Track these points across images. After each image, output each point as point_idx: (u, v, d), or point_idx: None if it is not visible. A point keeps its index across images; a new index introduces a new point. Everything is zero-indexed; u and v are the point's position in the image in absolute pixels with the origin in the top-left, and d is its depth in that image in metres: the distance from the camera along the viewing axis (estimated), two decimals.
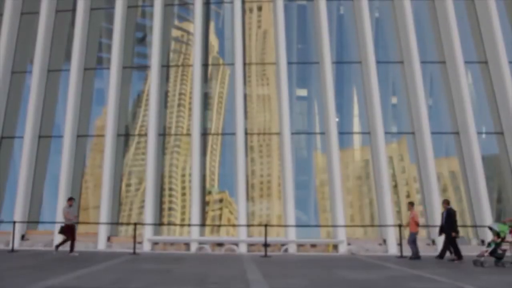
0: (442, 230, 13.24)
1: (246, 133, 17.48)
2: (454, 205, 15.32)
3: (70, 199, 13.97)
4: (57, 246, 13.69)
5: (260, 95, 18.55)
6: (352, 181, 17.67)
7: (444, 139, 17.40)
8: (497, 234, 11.20)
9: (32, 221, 16.99)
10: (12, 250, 14.48)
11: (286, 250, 15.62)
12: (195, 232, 16.04)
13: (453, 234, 12.72)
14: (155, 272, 9.42)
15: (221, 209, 17.27)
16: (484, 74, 17.70)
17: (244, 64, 18.11)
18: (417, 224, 13.54)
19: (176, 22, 20.01)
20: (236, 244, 15.91)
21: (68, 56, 18.49)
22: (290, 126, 16.89)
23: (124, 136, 18.18)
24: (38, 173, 17.57)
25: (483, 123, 17.45)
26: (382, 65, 17.79)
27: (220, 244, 16.03)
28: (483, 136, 17.46)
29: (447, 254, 13.08)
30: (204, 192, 17.23)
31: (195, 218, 16.13)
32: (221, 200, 17.38)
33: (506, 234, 11.26)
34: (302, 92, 19.13)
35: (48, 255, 13.02)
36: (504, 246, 11.38)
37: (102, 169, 16.94)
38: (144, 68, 19.16)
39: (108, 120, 17.33)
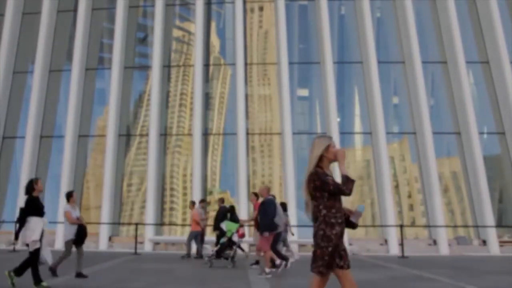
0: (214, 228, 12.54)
1: (247, 133, 17.47)
2: (455, 205, 15.37)
3: (202, 201, 13.61)
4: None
5: (261, 95, 18.55)
6: None
7: (446, 139, 17.38)
8: (225, 233, 10.74)
9: None
10: (14, 250, 14.49)
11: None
12: None
13: (216, 232, 11.96)
14: (156, 272, 9.42)
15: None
16: (486, 74, 17.67)
17: (246, 64, 18.11)
18: (198, 223, 13.09)
19: (177, 22, 20.03)
20: None
21: (69, 56, 18.51)
22: (291, 126, 16.87)
23: (126, 136, 18.20)
24: (40, 173, 17.55)
25: (485, 123, 17.44)
26: (384, 65, 17.77)
27: None
28: (485, 136, 17.45)
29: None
30: (205, 192, 17.23)
31: None
32: (222, 200, 17.37)
33: (233, 233, 10.76)
34: (304, 92, 19.13)
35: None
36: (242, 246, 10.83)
37: (103, 169, 16.94)
38: (145, 68, 19.18)
39: (109, 120, 17.34)
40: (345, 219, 3.91)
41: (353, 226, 3.99)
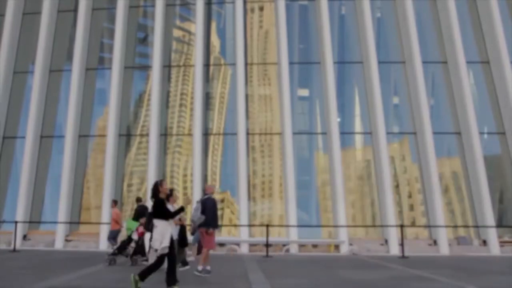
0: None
1: (247, 133, 17.47)
2: (456, 205, 15.36)
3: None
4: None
5: (261, 95, 18.55)
6: (353, 181, 17.66)
7: (446, 139, 17.38)
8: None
9: (34, 221, 17.01)
10: (14, 250, 14.51)
11: (287, 250, 15.62)
12: None
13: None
14: (156, 271, 9.41)
15: (222, 209, 17.27)
16: (486, 74, 17.68)
17: (246, 64, 18.12)
18: (117, 222, 13.17)
19: (177, 22, 20.02)
20: (238, 244, 15.91)
21: (70, 56, 18.51)
22: (291, 126, 16.88)
23: (126, 136, 18.20)
24: (40, 173, 17.58)
25: (485, 123, 17.43)
26: (384, 65, 17.77)
27: (221, 244, 16.02)
28: (485, 136, 17.44)
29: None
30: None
31: None
32: (222, 200, 17.37)
33: (133, 232, 10.86)
34: (304, 92, 19.12)
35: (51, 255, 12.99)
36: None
37: (103, 169, 16.94)
38: (145, 68, 19.17)
39: (109, 120, 17.35)
40: None
41: None
